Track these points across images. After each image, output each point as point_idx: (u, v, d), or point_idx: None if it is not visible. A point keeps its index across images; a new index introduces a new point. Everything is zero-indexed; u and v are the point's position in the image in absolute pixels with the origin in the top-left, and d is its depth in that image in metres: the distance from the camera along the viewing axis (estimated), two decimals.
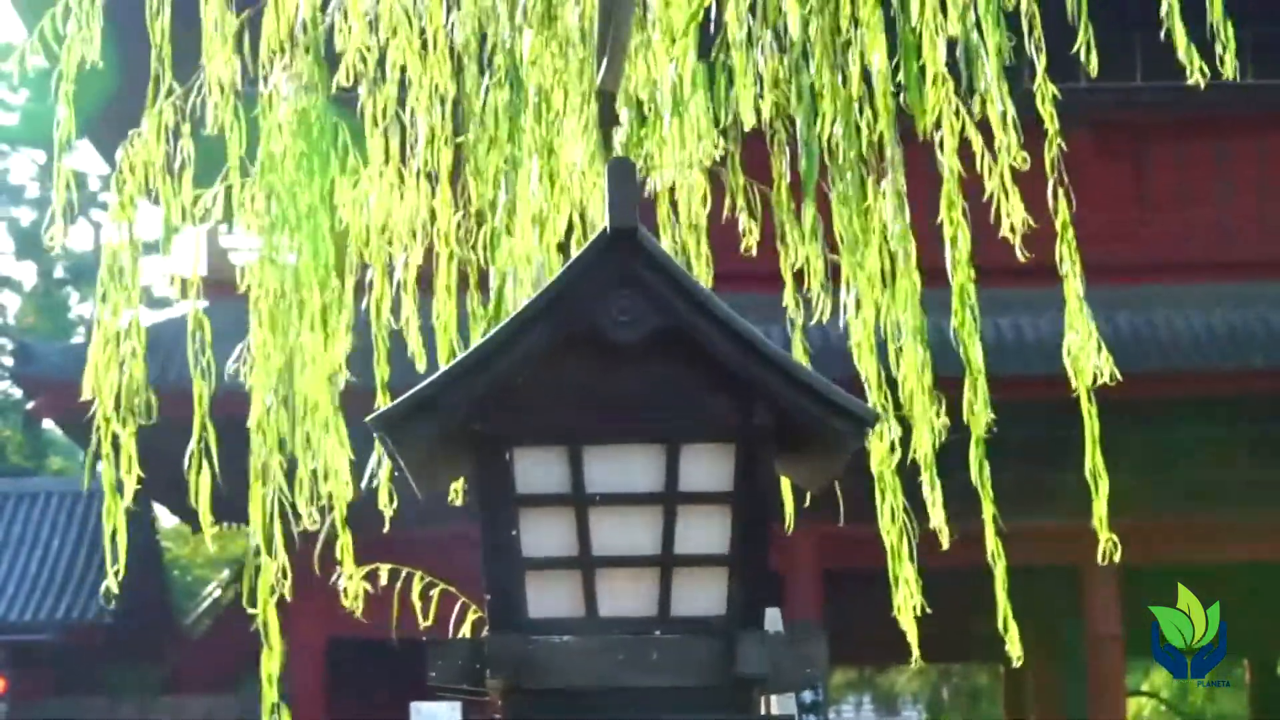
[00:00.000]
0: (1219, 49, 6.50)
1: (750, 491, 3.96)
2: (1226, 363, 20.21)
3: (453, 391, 3.98)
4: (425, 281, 6.90)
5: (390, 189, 6.66)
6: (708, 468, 3.95)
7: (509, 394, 3.96)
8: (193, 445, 6.27)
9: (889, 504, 6.65)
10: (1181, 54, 6.48)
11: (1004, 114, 6.40)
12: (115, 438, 6.21)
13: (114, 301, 6.28)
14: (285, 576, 6.40)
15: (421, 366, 6.59)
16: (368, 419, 4.04)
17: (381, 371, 6.86)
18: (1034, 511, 16.49)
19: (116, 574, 6.10)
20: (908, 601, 6.69)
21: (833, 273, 6.77)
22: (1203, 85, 6.42)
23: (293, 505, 6.42)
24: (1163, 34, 6.55)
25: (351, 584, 6.51)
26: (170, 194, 6.36)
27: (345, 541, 6.50)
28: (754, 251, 6.95)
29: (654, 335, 3.94)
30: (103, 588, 6.40)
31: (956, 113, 6.49)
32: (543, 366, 3.98)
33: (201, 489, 6.29)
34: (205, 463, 6.28)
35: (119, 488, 6.23)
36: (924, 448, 6.65)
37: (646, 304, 3.94)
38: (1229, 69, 6.46)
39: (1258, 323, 20.77)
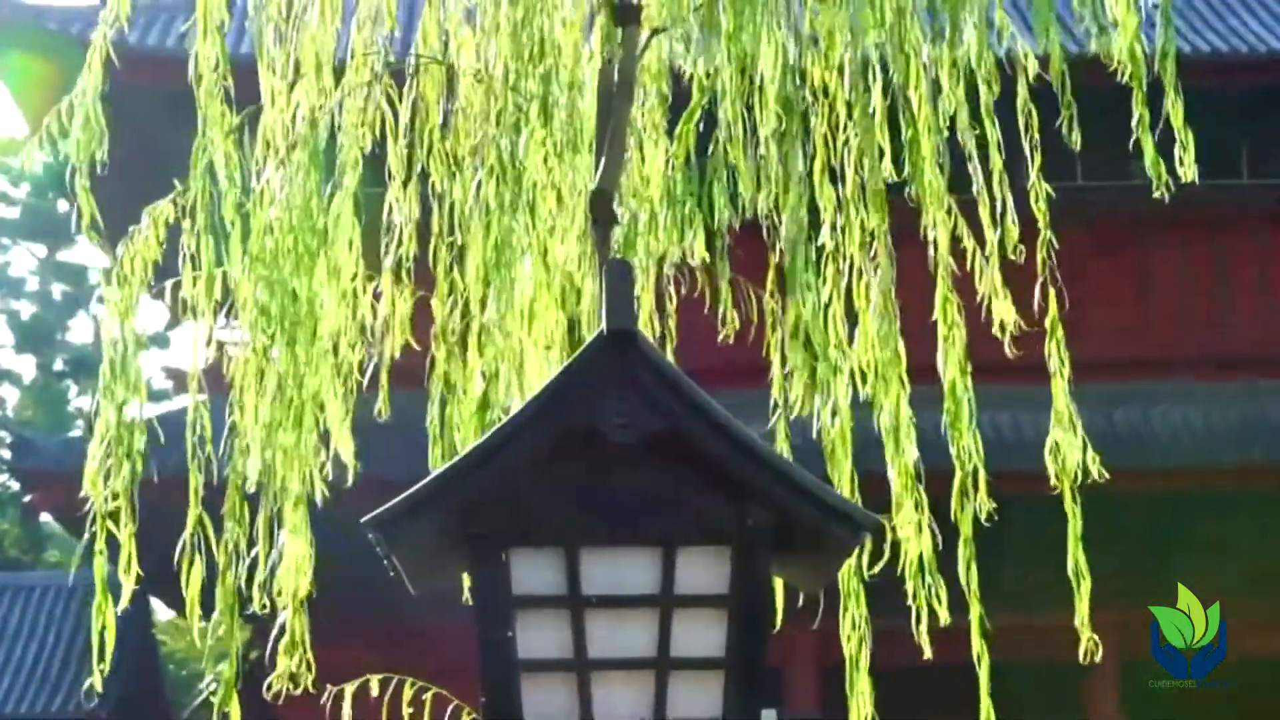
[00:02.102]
0: (1178, 152, 6.53)
1: (747, 594, 3.93)
2: (1226, 458, 20.17)
3: (449, 493, 3.97)
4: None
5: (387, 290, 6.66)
6: (704, 570, 3.93)
7: (506, 495, 3.94)
8: (186, 537, 6.22)
9: (850, 615, 6.58)
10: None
11: (951, 210, 6.45)
12: (111, 534, 6.15)
13: (114, 395, 6.23)
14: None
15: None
16: (363, 520, 4.02)
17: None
18: (1041, 606, 16.42)
19: (103, 671, 6.05)
20: (861, 708, 6.60)
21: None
22: (1167, 197, 6.49)
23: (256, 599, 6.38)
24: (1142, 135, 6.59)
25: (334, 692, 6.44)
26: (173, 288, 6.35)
27: (298, 629, 6.45)
28: (731, 341, 6.92)
29: (651, 438, 3.93)
30: (86, 684, 6.33)
31: (949, 210, 6.52)
32: (539, 468, 3.96)
33: (193, 581, 6.24)
34: (197, 556, 6.23)
35: (112, 584, 6.16)
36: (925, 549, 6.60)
37: (644, 407, 3.93)
38: (1188, 172, 6.48)
39: (1258, 418, 20.75)
